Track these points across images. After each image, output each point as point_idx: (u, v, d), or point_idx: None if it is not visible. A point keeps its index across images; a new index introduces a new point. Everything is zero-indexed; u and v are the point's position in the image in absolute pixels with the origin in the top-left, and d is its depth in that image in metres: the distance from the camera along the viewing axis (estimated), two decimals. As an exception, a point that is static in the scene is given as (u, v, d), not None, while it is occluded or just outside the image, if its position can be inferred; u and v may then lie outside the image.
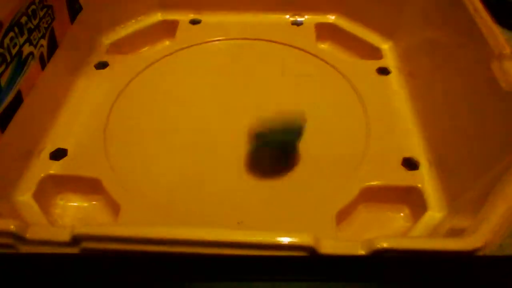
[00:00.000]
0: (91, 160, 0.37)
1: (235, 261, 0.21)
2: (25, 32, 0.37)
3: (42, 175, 0.36)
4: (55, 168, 0.37)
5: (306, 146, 0.39)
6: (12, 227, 0.22)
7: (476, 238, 0.23)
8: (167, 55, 0.48)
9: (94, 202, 0.36)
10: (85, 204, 0.36)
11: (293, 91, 0.45)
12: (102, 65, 0.47)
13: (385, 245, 0.22)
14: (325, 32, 0.52)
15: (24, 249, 0.23)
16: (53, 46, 0.42)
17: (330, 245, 0.22)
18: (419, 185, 0.35)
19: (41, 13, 0.39)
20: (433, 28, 0.43)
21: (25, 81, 0.37)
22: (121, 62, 0.48)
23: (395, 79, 0.45)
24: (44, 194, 0.35)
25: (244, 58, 0.49)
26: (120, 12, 0.51)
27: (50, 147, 0.38)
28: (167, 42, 0.52)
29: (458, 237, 0.24)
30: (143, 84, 0.45)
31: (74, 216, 0.35)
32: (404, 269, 0.21)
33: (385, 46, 0.49)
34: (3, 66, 0.34)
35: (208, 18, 0.53)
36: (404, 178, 0.36)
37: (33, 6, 0.38)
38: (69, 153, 0.38)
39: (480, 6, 0.36)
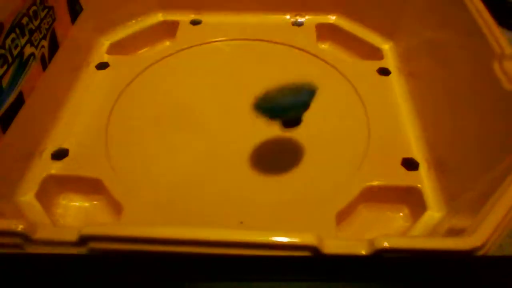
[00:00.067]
0: (92, 160, 0.38)
1: (238, 261, 0.21)
2: (26, 33, 0.37)
3: (44, 175, 0.36)
4: (57, 168, 0.37)
5: (306, 146, 0.39)
6: (20, 227, 0.23)
7: (475, 238, 0.23)
8: (167, 56, 0.49)
9: (95, 202, 0.36)
10: (86, 204, 0.36)
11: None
12: (103, 66, 0.47)
13: (386, 244, 0.22)
14: (325, 32, 0.52)
15: (32, 249, 0.23)
16: (54, 47, 0.42)
17: (334, 245, 0.22)
18: (419, 185, 0.35)
19: (42, 14, 0.40)
20: (433, 29, 0.43)
21: (27, 82, 0.37)
22: (122, 63, 0.48)
23: (395, 80, 0.46)
24: (46, 194, 0.35)
25: (245, 58, 0.49)
26: (120, 13, 0.51)
27: (51, 148, 0.38)
28: (167, 43, 0.52)
29: (458, 237, 0.24)
30: (144, 85, 0.45)
31: (76, 215, 0.35)
32: (404, 268, 0.21)
33: (386, 46, 0.49)
34: (5, 67, 0.34)
35: (209, 18, 0.53)
36: (404, 178, 0.36)
37: (34, 7, 0.38)
38: (70, 153, 0.38)
39: (481, 6, 0.36)
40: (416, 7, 0.46)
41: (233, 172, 0.37)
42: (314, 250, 0.22)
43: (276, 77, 0.46)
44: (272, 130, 0.39)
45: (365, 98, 0.43)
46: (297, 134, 0.39)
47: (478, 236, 0.23)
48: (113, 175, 0.36)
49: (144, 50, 0.52)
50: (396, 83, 0.45)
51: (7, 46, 0.34)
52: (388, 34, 0.49)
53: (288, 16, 0.53)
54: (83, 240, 0.22)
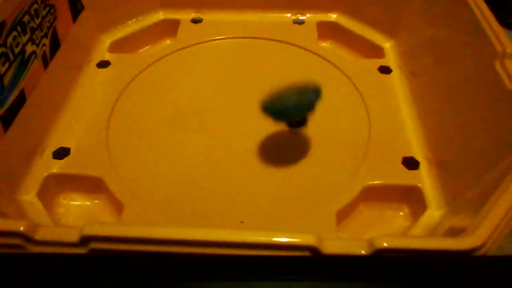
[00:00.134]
0: (94, 159, 0.38)
1: (239, 261, 0.21)
2: (28, 31, 0.37)
3: (45, 174, 0.36)
4: (58, 167, 0.37)
5: (306, 145, 0.39)
6: (21, 228, 0.23)
7: (475, 238, 0.23)
8: (168, 54, 0.49)
9: (96, 201, 0.36)
10: (88, 203, 0.36)
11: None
12: (104, 64, 0.47)
13: (386, 244, 0.22)
14: (326, 30, 0.52)
15: (33, 249, 0.23)
16: (55, 45, 0.42)
17: (333, 245, 0.23)
18: (419, 185, 0.35)
19: (44, 12, 0.40)
20: (435, 27, 0.43)
21: (28, 80, 0.37)
22: (123, 61, 0.48)
23: (396, 78, 0.46)
24: (47, 193, 0.36)
25: (246, 56, 0.49)
26: (121, 11, 0.51)
27: (52, 146, 0.39)
28: (168, 41, 0.52)
29: (458, 237, 0.24)
30: (145, 83, 0.45)
31: (77, 214, 0.36)
32: (404, 268, 0.21)
33: (387, 44, 0.49)
34: (6, 65, 0.34)
35: (210, 17, 0.53)
36: (405, 177, 0.36)
37: (36, 6, 0.38)
38: (71, 152, 0.38)
39: (483, 5, 0.36)
40: (417, 5, 0.46)
41: (234, 171, 0.37)
42: (314, 250, 0.22)
43: (277, 75, 0.46)
44: (272, 129, 0.40)
45: (366, 96, 0.43)
46: (298, 132, 0.39)
47: (477, 236, 0.23)
48: (114, 173, 0.36)
49: (145, 48, 0.52)
50: (397, 81, 0.45)
51: (8, 44, 0.34)
52: (389, 32, 0.49)
53: (289, 14, 0.53)
54: (84, 240, 0.22)
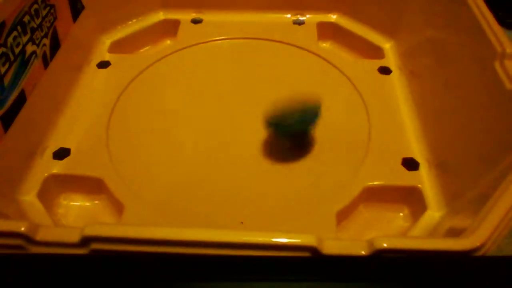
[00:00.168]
0: (94, 159, 0.38)
1: (239, 262, 0.21)
2: (28, 31, 0.37)
3: (45, 174, 0.36)
4: (58, 167, 0.37)
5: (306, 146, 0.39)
6: (22, 228, 0.23)
7: (475, 238, 0.23)
8: (168, 54, 0.49)
9: (96, 202, 0.36)
10: (88, 204, 0.36)
11: (295, 90, 0.45)
12: (104, 64, 0.47)
13: (385, 245, 0.22)
14: (326, 31, 0.52)
15: (34, 250, 0.23)
16: (55, 45, 0.42)
17: (333, 246, 0.23)
18: (419, 185, 0.35)
19: (44, 12, 0.40)
20: (435, 27, 0.43)
21: (28, 80, 0.37)
22: (123, 61, 0.48)
23: (396, 79, 0.46)
24: (47, 194, 0.36)
25: (246, 57, 0.49)
26: (122, 12, 0.51)
27: (53, 147, 0.39)
28: (168, 41, 0.52)
29: (457, 238, 0.24)
30: (145, 83, 0.45)
31: (77, 215, 0.36)
32: (403, 269, 0.21)
33: (387, 45, 0.49)
34: (7, 65, 0.34)
35: (210, 17, 0.53)
36: (404, 178, 0.36)
37: (36, 6, 0.38)
38: (72, 152, 0.38)
39: (483, 5, 0.36)
40: (417, 6, 0.46)
41: (234, 171, 0.37)
42: (314, 251, 0.22)
43: (277, 75, 0.46)
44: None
45: (366, 97, 0.43)
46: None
47: (477, 236, 0.23)
48: (115, 174, 0.36)
49: (145, 48, 0.52)
50: (397, 82, 0.45)
51: (8, 44, 0.34)
52: (389, 33, 0.49)
53: (289, 15, 0.53)
54: (85, 241, 0.22)
